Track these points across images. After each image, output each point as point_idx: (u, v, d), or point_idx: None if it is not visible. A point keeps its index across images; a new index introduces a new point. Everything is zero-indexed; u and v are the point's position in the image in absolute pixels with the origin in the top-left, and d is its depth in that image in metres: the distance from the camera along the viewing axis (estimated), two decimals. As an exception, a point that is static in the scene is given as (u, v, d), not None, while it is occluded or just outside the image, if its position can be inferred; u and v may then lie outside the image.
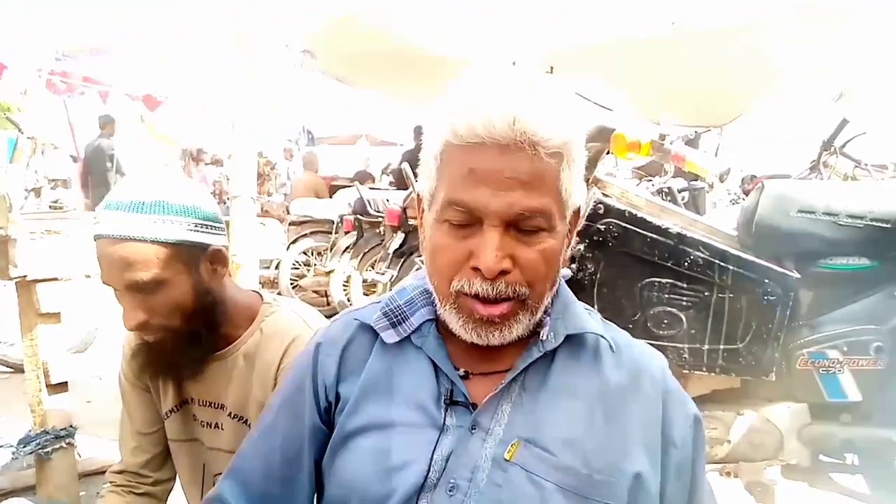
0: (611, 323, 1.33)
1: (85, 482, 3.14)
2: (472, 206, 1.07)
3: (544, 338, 1.19)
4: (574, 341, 1.23)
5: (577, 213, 1.20)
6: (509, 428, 1.15)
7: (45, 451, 2.58)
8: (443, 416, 1.17)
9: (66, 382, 2.72)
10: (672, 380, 1.26)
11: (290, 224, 8.69)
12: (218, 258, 1.77)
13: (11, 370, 5.00)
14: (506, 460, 1.13)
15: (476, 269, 1.09)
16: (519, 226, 1.09)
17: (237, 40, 3.53)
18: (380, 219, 7.15)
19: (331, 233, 8.10)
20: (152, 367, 1.79)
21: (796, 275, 2.50)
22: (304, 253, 8.42)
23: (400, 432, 1.17)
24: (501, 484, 1.11)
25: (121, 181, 1.95)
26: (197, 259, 1.71)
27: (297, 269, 8.38)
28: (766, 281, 2.46)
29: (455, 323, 1.15)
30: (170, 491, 2.08)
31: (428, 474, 1.13)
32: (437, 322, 1.26)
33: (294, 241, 8.33)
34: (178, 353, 1.74)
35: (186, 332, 1.72)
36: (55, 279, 2.60)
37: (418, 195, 1.22)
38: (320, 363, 1.29)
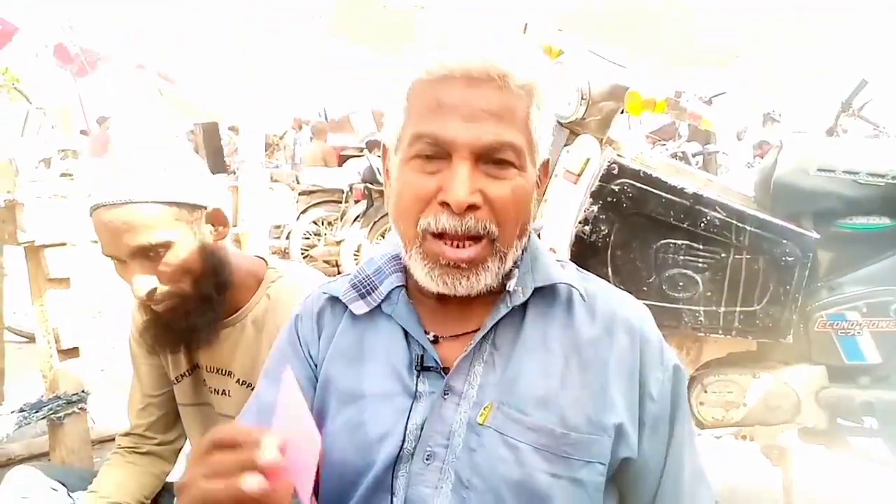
0: (591, 275, 1.29)
1: (99, 449, 3.15)
2: (441, 138, 1.05)
3: (511, 290, 1.16)
4: (545, 294, 1.20)
5: (545, 165, 1.20)
6: (482, 390, 1.13)
7: (57, 416, 2.58)
8: (415, 382, 1.15)
9: (78, 348, 2.72)
10: (652, 330, 1.22)
11: (299, 193, 8.67)
12: (218, 218, 1.76)
13: (25, 339, 5.02)
14: (479, 424, 1.10)
15: (444, 205, 1.06)
16: (489, 159, 1.07)
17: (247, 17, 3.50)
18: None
19: (341, 202, 8.08)
20: (166, 338, 1.77)
21: (815, 235, 2.45)
22: (315, 222, 8.41)
23: (373, 403, 1.15)
24: (476, 448, 1.09)
25: (113, 153, 1.94)
26: (199, 218, 1.70)
27: (308, 238, 8.38)
28: (784, 241, 2.42)
29: (420, 271, 1.12)
30: (177, 452, 2.09)
31: (403, 444, 1.10)
32: (407, 289, 1.23)
33: (304, 211, 8.32)
34: (190, 319, 1.71)
35: (197, 297, 1.70)
36: (63, 244, 2.58)
37: (383, 146, 1.20)
38: (301, 335, 1.27)
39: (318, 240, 8.33)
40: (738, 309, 2.46)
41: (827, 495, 3.12)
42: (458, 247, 1.08)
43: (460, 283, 1.10)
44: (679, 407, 1.21)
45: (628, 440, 1.14)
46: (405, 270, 1.24)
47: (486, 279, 1.11)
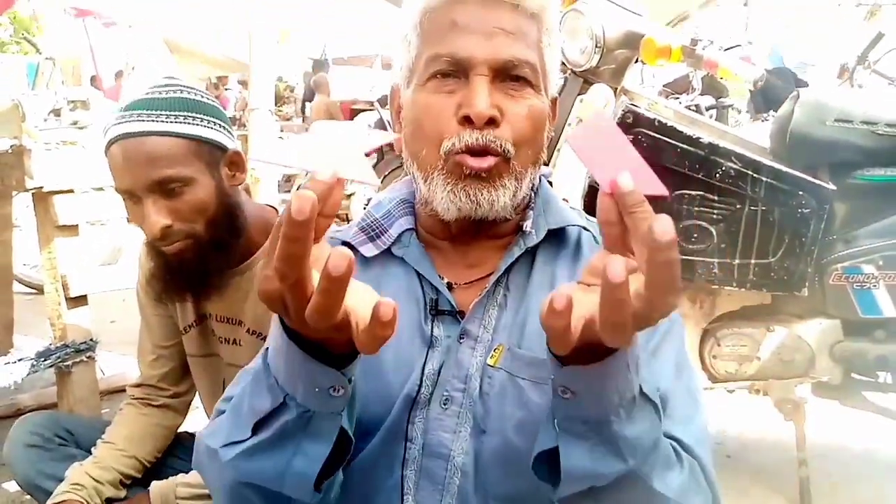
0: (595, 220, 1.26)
1: (109, 400, 3.17)
2: (459, 55, 1.05)
3: (527, 229, 1.15)
4: (556, 238, 1.18)
5: (554, 102, 1.19)
6: (496, 333, 1.12)
7: (65, 364, 2.58)
8: (430, 327, 1.13)
9: (86, 296, 2.70)
10: None
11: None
12: (236, 162, 1.74)
13: (34, 291, 5.04)
14: (490, 366, 1.09)
15: (465, 120, 1.05)
16: (506, 76, 1.06)
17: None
18: (400, 140, 7.06)
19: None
20: (174, 284, 1.74)
21: (831, 186, 2.42)
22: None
23: (388, 349, 1.11)
24: (488, 391, 1.08)
25: (134, 89, 1.91)
26: (217, 160, 1.68)
27: (319, 192, 8.35)
28: (800, 193, 2.39)
29: (442, 191, 1.09)
30: (188, 403, 2.09)
31: (420, 389, 1.09)
32: (417, 232, 1.21)
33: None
34: (202, 263, 1.68)
35: (209, 240, 1.67)
36: (71, 191, 2.56)
37: (392, 90, 1.20)
38: None
39: (329, 193, 8.30)
40: (752, 261, 2.44)
41: (840, 450, 3.12)
42: (479, 156, 1.07)
43: (482, 195, 1.07)
44: (681, 337, 1.18)
45: None
46: (415, 214, 1.22)
47: (504, 196, 1.09)
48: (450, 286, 1.16)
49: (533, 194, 1.19)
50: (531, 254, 1.16)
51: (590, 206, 2.34)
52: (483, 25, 1.05)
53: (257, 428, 0.90)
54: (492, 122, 1.04)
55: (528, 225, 1.16)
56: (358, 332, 0.73)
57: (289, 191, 8.19)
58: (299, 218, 0.65)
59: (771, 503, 2.78)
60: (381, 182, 6.88)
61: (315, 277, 0.71)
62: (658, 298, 0.69)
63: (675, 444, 0.97)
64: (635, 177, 0.73)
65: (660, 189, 0.75)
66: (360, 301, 0.74)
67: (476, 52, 1.04)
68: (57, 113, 2.86)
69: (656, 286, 0.68)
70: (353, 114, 10.22)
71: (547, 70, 1.12)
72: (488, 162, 1.06)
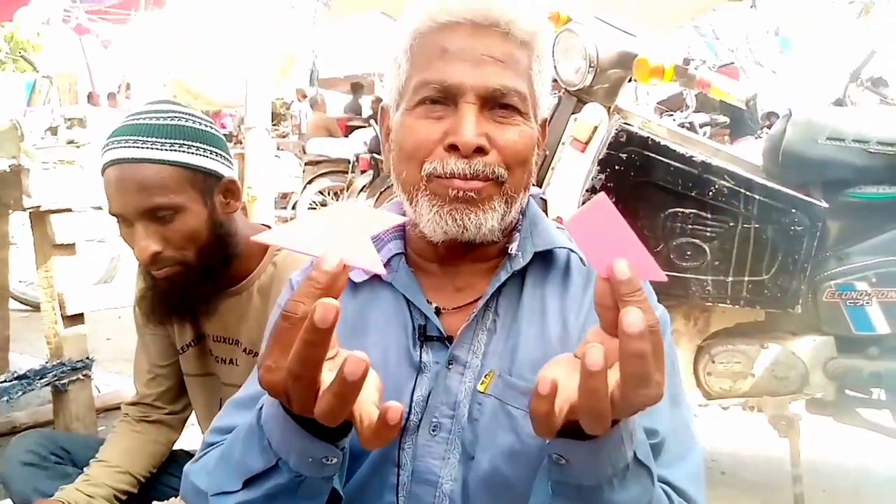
0: None
1: (105, 417, 3.16)
2: (448, 83, 1.04)
3: (513, 252, 1.15)
4: (544, 260, 1.17)
5: (544, 125, 1.19)
6: (485, 359, 1.11)
7: (61, 382, 2.57)
8: (419, 353, 1.12)
9: (83, 314, 2.71)
10: (650, 292, 1.20)
11: (306, 164, 8.65)
12: (231, 190, 1.74)
13: (31, 308, 5.03)
14: (480, 392, 1.09)
15: (451, 148, 1.04)
16: (495, 104, 1.06)
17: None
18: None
19: (347, 172, 8.05)
20: (163, 306, 1.75)
21: (824, 204, 2.44)
22: (321, 193, 8.39)
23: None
24: (478, 417, 1.08)
25: (130, 110, 1.91)
26: (211, 189, 1.68)
27: (314, 208, 8.36)
28: (793, 210, 2.40)
29: (428, 213, 1.08)
30: (184, 420, 2.08)
31: (409, 416, 1.09)
32: (407, 256, 1.20)
33: (310, 181, 8.30)
34: (190, 289, 1.69)
35: (199, 267, 1.67)
36: (69, 210, 2.57)
37: (382, 109, 1.19)
38: None
39: (325, 211, 8.29)
40: (746, 278, 2.45)
41: (834, 466, 3.12)
42: (466, 180, 1.06)
43: (469, 219, 1.07)
44: (673, 362, 1.19)
45: None
46: (405, 238, 1.21)
47: (492, 219, 1.08)
48: (438, 311, 1.15)
49: (520, 216, 1.18)
50: (520, 276, 1.16)
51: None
52: (473, 53, 1.05)
53: (248, 483, 0.91)
54: (479, 151, 1.04)
55: (513, 248, 1.15)
56: (363, 427, 0.74)
57: (284, 207, 8.19)
58: (322, 326, 0.68)
59: (766, 520, 2.78)
60: (376, 200, 6.89)
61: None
62: (630, 390, 0.71)
63: (667, 488, 0.99)
64: (634, 263, 0.74)
65: (658, 275, 0.75)
66: (365, 394, 0.75)
67: (465, 79, 1.04)
68: (54, 131, 2.87)
69: (627, 377, 0.70)
70: (348, 130, 10.26)
71: (536, 96, 1.12)
72: (478, 184, 1.05)
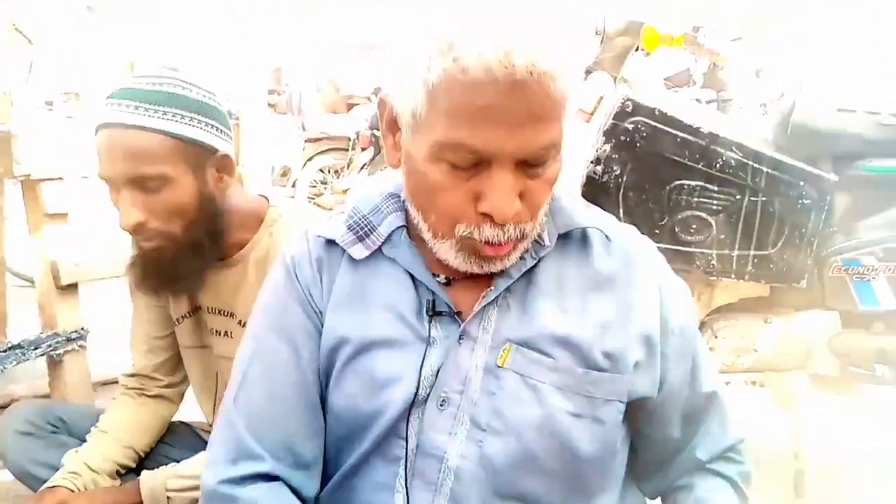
0: (599, 209, 1.24)
1: (102, 390, 3.13)
2: (484, 150, 0.95)
3: (546, 243, 1.12)
4: (561, 236, 1.15)
5: None
6: (497, 333, 1.09)
7: (56, 353, 2.55)
8: (427, 328, 1.10)
9: (76, 284, 2.68)
10: (663, 262, 1.21)
11: (306, 141, 8.58)
12: (225, 165, 1.70)
13: (27, 283, 5.00)
14: (498, 367, 1.07)
15: (485, 215, 0.99)
16: (529, 162, 0.98)
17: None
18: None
19: (348, 150, 8.00)
20: (150, 278, 1.71)
21: (833, 177, 2.40)
22: (322, 171, 8.34)
23: (384, 350, 1.10)
24: (496, 391, 1.06)
25: (136, 72, 1.87)
26: (204, 162, 1.64)
27: (315, 187, 8.32)
28: (802, 183, 2.36)
29: (451, 256, 1.06)
30: (182, 393, 2.07)
31: (417, 390, 1.07)
32: (409, 228, 1.16)
33: (311, 159, 8.24)
34: (176, 263, 1.66)
35: (185, 241, 1.64)
36: (60, 178, 2.54)
37: (390, 108, 1.06)
38: (301, 282, 1.18)
39: (325, 188, 8.25)
40: (751, 253, 2.42)
41: (837, 442, 3.10)
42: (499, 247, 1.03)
43: (494, 266, 1.06)
44: (697, 335, 1.21)
45: (649, 377, 1.12)
46: (405, 209, 1.17)
47: (515, 257, 1.08)
48: (448, 281, 1.13)
49: None
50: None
51: (588, 197, 2.31)
52: (512, 114, 0.92)
53: None
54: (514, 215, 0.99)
55: (546, 238, 1.13)
56: None
57: (284, 185, 8.13)
58: None
59: (766, 495, 2.76)
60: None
61: None
62: None
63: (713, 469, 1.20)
64: None
65: None
66: None
67: (505, 145, 0.94)
68: (50, 104, 2.84)
69: None
70: (349, 107, 10.18)
71: (568, 109, 1.01)
72: (507, 249, 1.03)
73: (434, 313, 1.11)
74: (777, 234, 2.40)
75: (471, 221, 1.01)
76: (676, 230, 2.39)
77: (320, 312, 1.16)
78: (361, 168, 7.50)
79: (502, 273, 1.10)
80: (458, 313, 1.11)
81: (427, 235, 1.08)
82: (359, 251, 1.15)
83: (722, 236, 2.41)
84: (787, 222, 2.39)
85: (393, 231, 1.16)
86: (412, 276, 1.13)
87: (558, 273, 1.13)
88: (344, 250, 1.17)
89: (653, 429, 1.19)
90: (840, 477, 2.85)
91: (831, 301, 2.53)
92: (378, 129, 5.47)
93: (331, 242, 1.18)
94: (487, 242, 1.01)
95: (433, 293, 1.11)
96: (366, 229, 1.16)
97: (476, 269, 1.06)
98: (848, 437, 3.15)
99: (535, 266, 1.12)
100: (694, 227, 2.40)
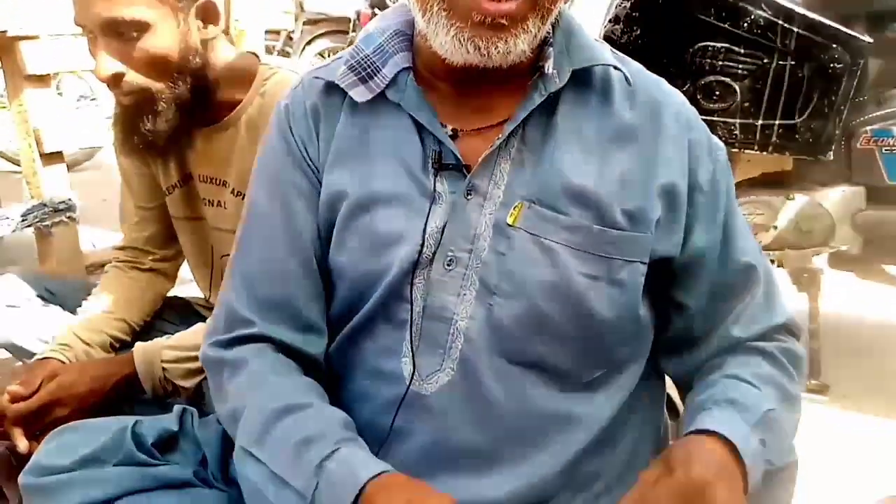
0: (626, 57, 1.11)
1: (98, 273, 3.08)
2: None
3: (549, 71, 0.99)
4: (580, 80, 1.02)
5: None
6: (509, 189, 0.99)
7: (44, 224, 2.48)
8: (432, 182, 1.01)
9: (61, 152, 2.59)
10: (697, 118, 1.09)
11: (304, 23, 8.33)
12: (209, 12, 1.56)
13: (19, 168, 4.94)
14: (509, 225, 0.98)
15: None
16: None
17: None
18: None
19: (348, 32, 7.77)
20: (132, 136, 1.59)
21: (867, 39, 2.26)
22: (321, 55, 8.13)
23: (386, 206, 1.02)
24: (505, 252, 0.98)
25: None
26: (186, 8, 1.51)
27: (314, 73, 8.14)
28: (834, 46, 2.23)
29: (445, 35, 0.94)
30: (177, 267, 2.00)
31: (422, 249, 0.99)
32: (416, 72, 1.05)
33: (309, 42, 8.04)
34: (157, 121, 1.55)
35: (168, 97, 1.53)
36: (37, 37, 2.40)
37: None
38: (295, 135, 1.09)
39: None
40: (777, 122, 2.31)
41: (853, 322, 3.07)
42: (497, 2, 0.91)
43: (496, 48, 0.93)
44: (731, 198, 1.09)
45: (672, 236, 1.03)
46: (412, 49, 1.06)
47: (523, 43, 0.94)
48: (455, 134, 1.03)
49: (551, 27, 1.01)
50: (553, 98, 1.02)
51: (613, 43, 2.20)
52: None
53: None
54: None
55: (549, 66, 1.00)
56: None
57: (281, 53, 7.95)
58: None
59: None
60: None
61: None
62: None
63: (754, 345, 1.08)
64: None
65: None
66: None
67: None
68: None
69: None
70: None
71: None
72: (509, 6, 0.91)
73: (440, 166, 1.01)
74: (805, 101, 2.29)
75: None
76: (698, 96, 2.28)
77: (317, 169, 1.08)
78: (363, 51, 7.31)
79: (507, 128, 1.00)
80: (467, 167, 1.01)
81: (420, 23, 0.98)
82: (361, 93, 1.04)
83: (746, 104, 2.30)
84: (815, 89, 2.27)
85: (398, 73, 1.04)
86: (418, 128, 1.03)
87: (577, 123, 1.02)
88: (343, 97, 1.07)
89: (680, 296, 1.09)
90: (855, 357, 2.82)
91: (858, 175, 2.45)
92: (379, 8, 5.25)
93: (329, 87, 1.08)
94: None
95: (440, 143, 1.01)
96: (369, 69, 1.05)
97: (472, 50, 0.94)
98: (865, 317, 3.11)
99: (552, 118, 1.02)
100: (717, 93, 2.28)
